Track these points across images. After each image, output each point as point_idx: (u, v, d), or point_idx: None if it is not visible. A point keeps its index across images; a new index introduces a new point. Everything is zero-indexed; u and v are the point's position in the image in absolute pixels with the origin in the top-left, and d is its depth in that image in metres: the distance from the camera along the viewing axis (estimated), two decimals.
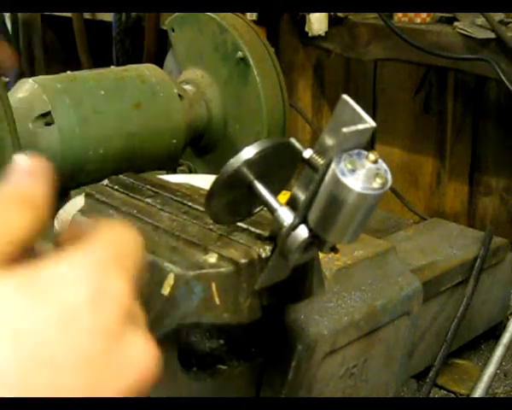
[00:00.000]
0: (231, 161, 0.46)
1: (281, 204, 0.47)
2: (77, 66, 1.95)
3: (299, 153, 0.45)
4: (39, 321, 0.30)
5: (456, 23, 1.33)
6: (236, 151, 0.46)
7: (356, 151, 0.41)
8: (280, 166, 0.50)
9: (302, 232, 0.45)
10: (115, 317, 0.32)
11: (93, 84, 1.20)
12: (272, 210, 0.47)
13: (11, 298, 0.31)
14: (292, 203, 0.47)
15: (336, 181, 0.40)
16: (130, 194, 0.72)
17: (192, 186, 0.79)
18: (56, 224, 1.12)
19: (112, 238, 0.35)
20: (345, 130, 0.40)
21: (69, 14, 1.99)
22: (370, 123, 0.41)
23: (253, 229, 0.61)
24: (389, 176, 0.41)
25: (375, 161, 0.41)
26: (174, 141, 1.30)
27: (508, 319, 1.05)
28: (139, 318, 0.34)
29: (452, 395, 1.00)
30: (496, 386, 1.00)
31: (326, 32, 1.54)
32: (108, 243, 0.34)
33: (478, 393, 0.95)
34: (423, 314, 0.94)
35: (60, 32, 2.23)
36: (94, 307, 0.31)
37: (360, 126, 0.41)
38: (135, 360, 0.33)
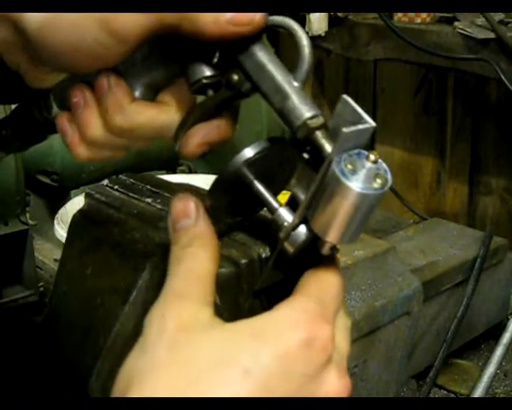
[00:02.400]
0: (231, 161, 0.46)
1: (281, 204, 0.47)
2: None
3: (300, 153, 0.45)
4: (263, 361, 0.39)
5: (456, 23, 1.33)
6: (236, 151, 0.46)
7: (356, 151, 0.41)
8: (280, 166, 0.50)
9: (302, 233, 0.45)
10: (321, 362, 0.40)
11: None
12: (272, 210, 0.47)
13: (243, 342, 0.40)
14: (292, 203, 0.47)
15: (336, 181, 0.40)
16: (130, 194, 0.72)
17: (192, 186, 0.79)
18: (56, 224, 1.13)
19: (318, 292, 0.43)
20: (345, 130, 0.40)
21: None
22: (371, 123, 0.41)
23: (253, 229, 0.61)
24: (389, 176, 0.41)
25: (376, 161, 0.41)
26: None
27: (508, 319, 1.05)
28: (336, 355, 0.42)
29: (452, 395, 1.00)
30: (496, 386, 1.00)
31: (326, 32, 1.55)
32: (316, 298, 0.43)
33: (478, 393, 0.95)
34: (423, 314, 0.94)
35: None
36: (306, 353, 0.40)
37: (360, 126, 0.41)
38: (331, 394, 0.41)
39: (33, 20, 0.46)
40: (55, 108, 0.54)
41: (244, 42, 0.45)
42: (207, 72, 0.46)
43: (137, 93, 0.49)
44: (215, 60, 0.46)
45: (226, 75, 0.46)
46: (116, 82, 0.48)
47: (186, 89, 0.49)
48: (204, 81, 0.46)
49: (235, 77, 0.46)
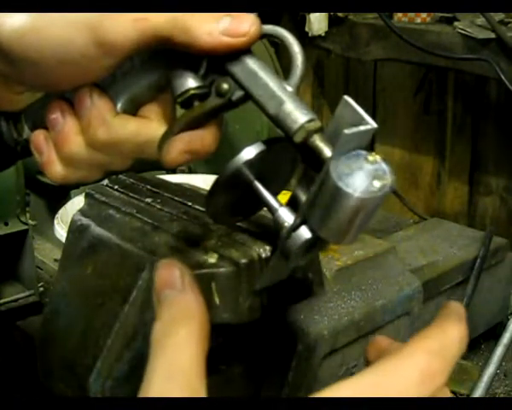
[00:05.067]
0: (231, 161, 0.46)
1: (281, 204, 0.47)
2: None
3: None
4: None
5: (456, 23, 1.33)
6: (236, 151, 0.46)
7: (355, 153, 0.41)
8: (280, 166, 0.50)
9: (303, 233, 0.45)
10: None
11: None
12: (273, 210, 0.47)
13: None
14: (292, 203, 0.47)
15: (334, 185, 0.40)
16: (130, 194, 0.72)
17: (192, 186, 0.79)
18: (56, 224, 1.12)
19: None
20: (346, 131, 0.40)
21: None
22: (372, 124, 0.41)
23: (253, 229, 0.61)
24: (390, 178, 0.41)
25: (376, 163, 0.41)
26: None
27: (508, 319, 1.05)
28: None
29: (452, 395, 1.00)
30: (496, 386, 1.00)
31: (326, 32, 1.54)
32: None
33: (478, 393, 0.95)
34: (423, 314, 0.94)
35: None
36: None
37: (361, 128, 0.41)
38: None
39: (12, 30, 0.43)
40: (27, 130, 0.51)
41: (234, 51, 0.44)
42: (194, 83, 0.45)
43: (119, 107, 0.48)
44: (202, 70, 0.45)
45: (215, 84, 0.45)
46: (99, 96, 0.46)
47: (168, 103, 0.47)
48: (191, 92, 0.45)
49: (225, 86, 0.45)
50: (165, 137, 0.46)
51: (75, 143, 0.47)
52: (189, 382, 0.38)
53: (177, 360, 0.39)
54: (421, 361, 0.39)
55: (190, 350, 0.39)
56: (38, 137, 0.49)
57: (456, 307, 0.43)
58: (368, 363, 0.43)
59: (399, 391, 0.38)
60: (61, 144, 0.47)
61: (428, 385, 0.39)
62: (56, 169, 0.48)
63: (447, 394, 0.41)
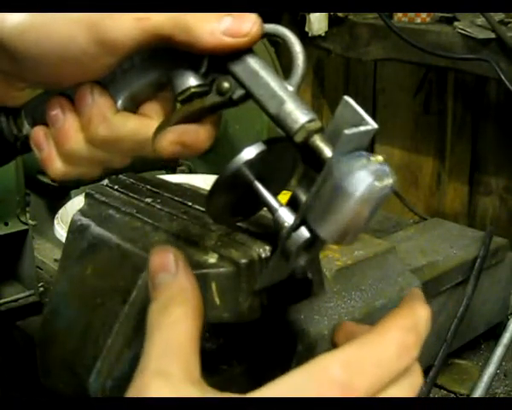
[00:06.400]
0: (232, 161, 0.46)
1: (281, 204, 0.47)
2: None
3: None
4: None
5: (456, 23, 1.33)
6: (236, 151, 0.46)
7: (356, 153, 0.41)
8: (280, 166, 0.50)
9: (303, 233, 0.45)
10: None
11: None
12: (273, 210, 0.47)
13: None
14: (292, 203, 0.47)
15: (335, 185, 0.40)
16: (130, 194, 0.72)
17: (192, 186, 0.79)
18: (56, 224, 1.12)
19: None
20: (346, 132, 0.40)
21: None
22: (372, 124, 0.41)
23: (253, 229, 0.61)
24: (391, 178, 0.41)
25: (376, 163, 0.41)
26: None
27: (508, 319, 1.05)
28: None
29: (452, 395, 1.00)
30: (496, 386, 1.00)
31: (326, 32, 1.55)
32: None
33: (478, 393, 0.95)
34: None
35: None
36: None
37: (362, 128, 0.41)
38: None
39: (13, 26, 0.43)
40: (27, 126, 0.51)
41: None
42: (195, 81, 0.45)
43: (119, 105, 0.48)
44: (203, 69, 0.46)
45: (216, 82, 0.46)
46: (100, 93, 0.46)
47: (169, 101, 0.47)
48: (192, 91, 0.45)
49: (226, 84, 0.45)
50: (160, 127, 0.46)
51: (75, 139, 0.47)
52: (185, 356, 0.39)
53: (174, 336, 0.40)
54: (397, 336, 0.41)
55: (186, 327, 0.41)
56: (38, 133, 0.49)
57: (419, 293, 0.45)
58: (335, 347, 0.43)
59: (380, 363, 0.39)
60: (62, 141, 0.47)
61: (405, 358, 0.40)
62: (56, 166, 0.49)
63: (419, 368, 0.43)
